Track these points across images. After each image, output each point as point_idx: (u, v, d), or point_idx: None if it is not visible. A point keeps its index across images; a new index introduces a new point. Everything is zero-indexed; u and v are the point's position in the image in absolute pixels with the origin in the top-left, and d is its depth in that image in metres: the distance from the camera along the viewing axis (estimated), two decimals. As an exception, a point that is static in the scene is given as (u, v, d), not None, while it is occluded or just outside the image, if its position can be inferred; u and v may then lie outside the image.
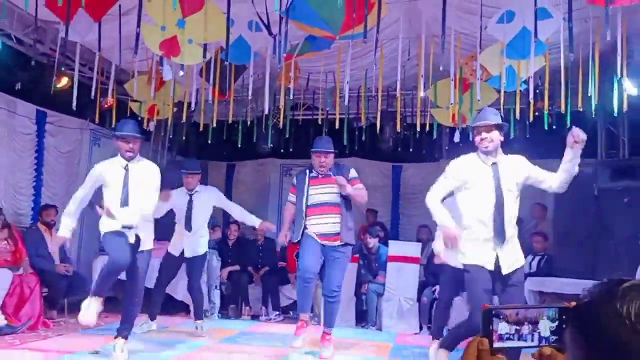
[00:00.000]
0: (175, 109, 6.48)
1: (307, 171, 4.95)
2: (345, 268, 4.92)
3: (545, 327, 0.95)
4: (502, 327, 0.95)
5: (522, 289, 3.84)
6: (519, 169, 3.78)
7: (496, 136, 3.72)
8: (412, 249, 6.79)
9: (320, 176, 4.86)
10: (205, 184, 7.45)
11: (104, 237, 4.39)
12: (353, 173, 4.94)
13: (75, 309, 6.49)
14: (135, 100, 6.55)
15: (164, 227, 5.38)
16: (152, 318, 5.73)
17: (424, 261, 6.90)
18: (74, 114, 6.98)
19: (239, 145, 7.29)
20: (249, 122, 7.03)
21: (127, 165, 4.47)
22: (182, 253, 5.58)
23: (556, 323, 0.95)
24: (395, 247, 6.78)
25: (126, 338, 4.45)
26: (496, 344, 0.95)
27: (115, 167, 4.49)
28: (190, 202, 5.56)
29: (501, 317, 0.95)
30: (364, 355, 5.02)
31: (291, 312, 7.21)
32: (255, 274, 7.30)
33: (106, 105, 6.41)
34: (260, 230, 6.19)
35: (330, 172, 4.85)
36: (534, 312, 0.96)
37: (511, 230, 3.72)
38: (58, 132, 7.08)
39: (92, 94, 5.80)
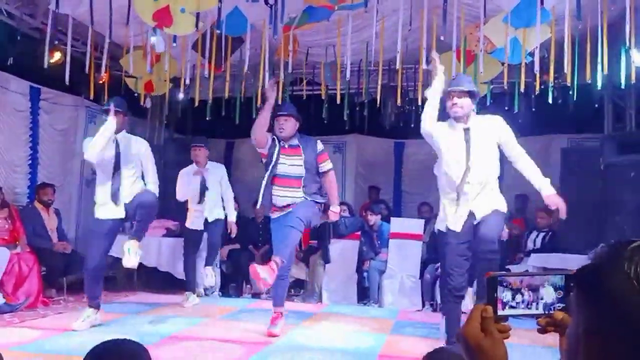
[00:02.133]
0: (171, 85, 6.35)
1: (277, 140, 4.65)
2: (296, 235, 4.49)
3: (551, 294, 0.92)
4: (507, 295, 0.92)
5: (492, 227, 3.87)
6: (493, 131, 3.93)
7: (467, 103, 3.88)
8: (415, 225, 6.72)
9: (287, 146, 4.61)
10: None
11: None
12: (320, 146, 4.70)
13: (73, 287, 6.50)
14: (131, 76, 6.41)
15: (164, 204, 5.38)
16: (193, 292, 6.07)
17: (426, 238, 6.84)
18: (68, 91, 6.86)
19: (237, 122, 7.17)
20: (244, 98, 6.86)
21: (115, 138, 4.58)
22: (203, 225, 5.98)
23: (562, 290, 0.92)
24: (398, 224, 6.71)
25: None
26: (500, 312, 0.92)
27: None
28: (203, 178, 5.88)
29: (505, 284, 0.92)
30: (365, 332, 4.98)
31: (292, 290, 7.18)
32: (256, 252, 7.24)
33: (101, 81, 6.27)
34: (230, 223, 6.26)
35: (298, 143, 4.62)
36: (539, 280, 0.93)
37: (484, 190, 3.90)
38: (53, 109, 6.97)
39: (87, 69, 5.67)
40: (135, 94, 6.52)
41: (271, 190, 4.55)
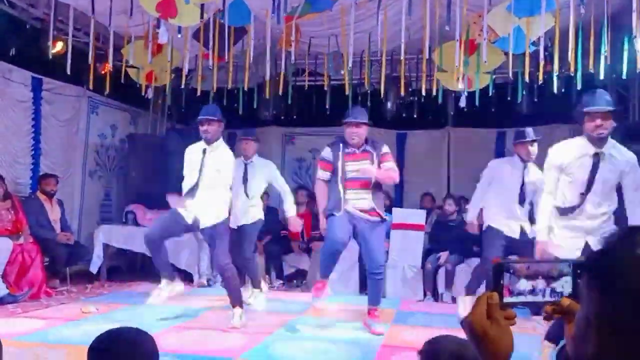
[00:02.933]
0: (173, 75, 6.33)
1: (341, 145, 4.73)
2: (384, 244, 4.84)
3: (558, 282, 0.92)
4: (513, 282, 0.92)
5: None
6: None
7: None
8: (417, 216, 6.71)
9: (357, 152, 4.68)
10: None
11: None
12: (385, 149, 4.76)
13: (77, 277, 6.53)
14: (133, 66, 6.39)
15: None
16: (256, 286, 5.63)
17: (428, 229, 6.84)
18: (70, 81, 6.85)
19: (240, 113, 7.15)
20: (246, 88, 6.84)
21: None
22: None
23: (569, 277, 0.91)
24: (400, 215, 6.70)
25: None
26: (506, 299, 0.91)
27: None
28: (245, 171, 5.39)
29: (512, 271, 0.92)
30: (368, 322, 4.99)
31: (294, 281, 7.21)
32: (259, 243, 7.25)
33: (103, 72, 6.25)
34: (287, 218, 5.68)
35: (368, 147, 4.68)
36: (546, 267, 0.93)
37: None
38: (55, 99, 6.96)
39: (89, 59, 5.65)
40: (137, 85, 6.50)
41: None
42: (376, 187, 4.63)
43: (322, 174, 4.77)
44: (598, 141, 3.56)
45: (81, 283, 6.48)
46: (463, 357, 1.51)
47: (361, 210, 4.58)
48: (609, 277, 0.75)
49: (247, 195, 5.36)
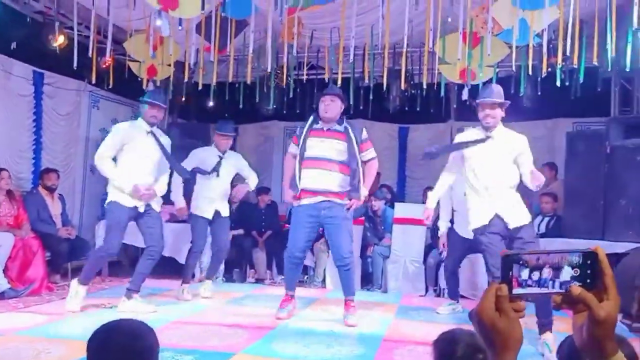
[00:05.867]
0: (174, 69, 6.30)
1: (312, 119, 4.65)
2: (351, 230, 4.71)
3: (568, 272, 0.89)
4: (523, 273, 0.90)
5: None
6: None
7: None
8: (419, 211, 6.61)
9: (324, 129, 4.59)
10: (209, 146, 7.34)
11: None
12: (364, 134, 4.69)
13: (78, 272, 6.51)
14: (134, 60, 6.36)
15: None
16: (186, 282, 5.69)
17: (429, 224, 6.80)
18: (71, 75, 6.82)
19: (241, 107, 7.12)
20: (249, 82, 6.80)
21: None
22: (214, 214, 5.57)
23: (579, 268, 0.89)
24: (402, 209, 6.68)
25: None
26: (515, 290, 0.89)
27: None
28: (219, 163, 5.49)
29: (521, 262, 0.90)
30: (370, 317, 4.98)
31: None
32: (259, 238, 7.25)
33: (104, 66, 6.22)
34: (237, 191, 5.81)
35: (340, 128, 4.58)
36: (555, 258, 0.90)
37: None
38: (56, 93, 6.94)
39: (90, 53, 5.62)
40: (139, 79, 6.47)
41: None
42: (344, 170, 4.53)
43: (291, 147, 4.77)
44: (487, 129, 4.06)
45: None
46: (478, 347, 1.50)
47: (314, 193, 4.50)
48: None
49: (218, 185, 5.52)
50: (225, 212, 5.62)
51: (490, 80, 6.01)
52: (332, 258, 6.55)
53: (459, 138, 4.31)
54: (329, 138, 4.56)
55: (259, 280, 7.05)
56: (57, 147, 7.04)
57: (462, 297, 5.82)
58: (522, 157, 4.01)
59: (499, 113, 4.05)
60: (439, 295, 6.29)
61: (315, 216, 4.57)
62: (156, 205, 4.88)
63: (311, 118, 4.65)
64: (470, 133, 4.20)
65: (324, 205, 4.54)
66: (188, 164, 5.42)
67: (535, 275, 0.90)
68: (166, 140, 4.94)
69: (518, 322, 0.89)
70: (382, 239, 6.84)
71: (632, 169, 5.58)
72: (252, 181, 5.71)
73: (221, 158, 5.52)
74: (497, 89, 4.20)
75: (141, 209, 4.78)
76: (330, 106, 4.52)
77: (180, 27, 4.69)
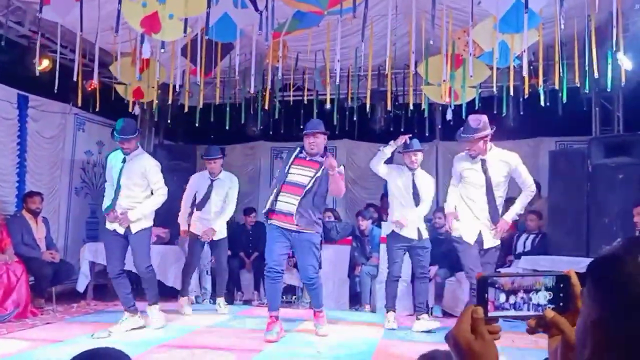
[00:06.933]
0: (159, 91, 6.31)
1: (298, 150, 4.95)
2: (317, 249, 4.84)
3: (542, 295, 0.91)
4: (498, 296, 0.91)
5: None
6: None
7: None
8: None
9: (307, 159, 4.86)
10: (194, 168, 7.35)
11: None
12: (341, 169, 4.92)
13: (62, 297, 6.43)
14: (120, 83, 6.38)
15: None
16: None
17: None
18: (56, 98, 6.81)
19: (228, 128, 7.14)
20: (237, 104, 6.86)
21: None
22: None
23: (553, 291, 0.91)
24: (389, 229, 6.67)
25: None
26: (491, 313, 0.90)
27: None
28: (210, 186, 5.96)
29: (497, 285, 0.91)
30: (358, 337, 4.96)
31: (284, 296, 7.14)
32: (247, 260, 7.21)
33: (90, 89, 6.22)
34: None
35: (318, 159, 4.82)
36: (530, 281, 0.92)
37: None
38: (41, 116, 6.91)
39: (75, 76, 5.62)
40: (124, 101, 6.47)
41: None
42: (314, 198, 4.74)
43: (278, 173, 5.14)
44: (473, 158, 4.66)
45: (67, 302, 6.39)
46: None
47: (287, 216, 4.70)
48: (609, 282, 0.74)
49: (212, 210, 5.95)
50: (220, 234, 6.03)
51: (473, 101, 6.11)
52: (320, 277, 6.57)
53: (457, 161, 4.87)
54: (307, 167, 4.85)
55: (246, 302, 7.00)
56: (41, 170, 6.99)
57: (449, 315, 5.81)
58: (516, 172, 4.65)
59: (481, 144, 4.50)
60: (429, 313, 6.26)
61: (287, 235, 4.80)
62: (135, 226, 5.01)
63: (297, 149, 4.95)
64: (465, 156, 4.77)
65: (293, 229, 4.78)
66: (189, 192, 6.04)
67: (512, 298, 0.92)
68: (143, 164, 5.12)
69: (493, 343, 0.90)
70: (369, 258, 6.84)
71: (614, 187, 5.66)
72: (224, 215, 6.04)
73: (212, 181, 5.95)
74: (475, 122, 4.53)
75: (120, 231, 5.01)
76: (315, 142, 4.82)
77: (162, 50, 4.72)
